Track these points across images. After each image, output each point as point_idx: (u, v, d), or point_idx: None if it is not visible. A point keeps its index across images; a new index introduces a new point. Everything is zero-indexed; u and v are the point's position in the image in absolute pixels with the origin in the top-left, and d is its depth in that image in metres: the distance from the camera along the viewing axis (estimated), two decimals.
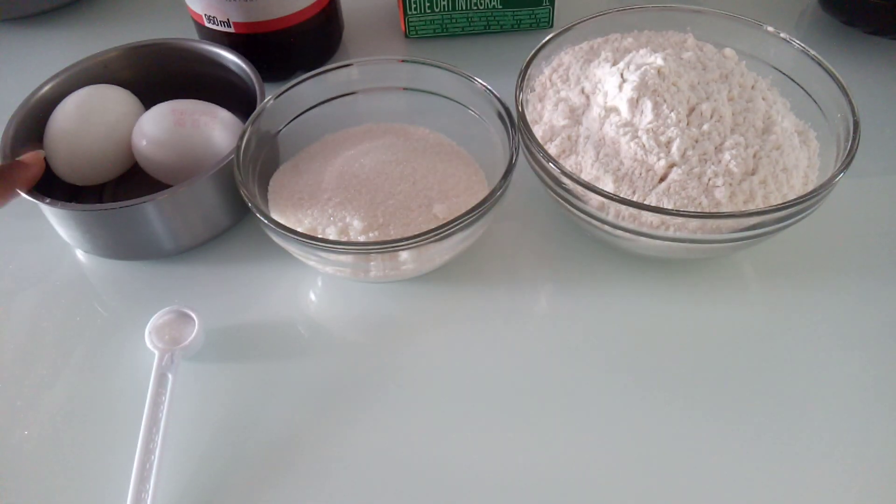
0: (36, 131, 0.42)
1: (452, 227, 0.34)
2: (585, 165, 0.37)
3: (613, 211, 0.35)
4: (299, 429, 0.34)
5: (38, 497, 0.32)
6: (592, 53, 0.42)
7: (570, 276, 0.40)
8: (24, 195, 0.37)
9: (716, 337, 0.37)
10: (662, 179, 0.35)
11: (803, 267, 0.39)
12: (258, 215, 0.35)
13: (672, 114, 0.36)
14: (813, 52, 0.40)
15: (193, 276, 0.40)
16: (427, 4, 0.52)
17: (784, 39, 0.41)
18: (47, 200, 0.37)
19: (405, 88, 0.43)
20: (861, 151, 0.35)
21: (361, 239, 0.36)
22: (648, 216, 0.34)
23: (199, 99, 0.42)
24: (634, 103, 0.37)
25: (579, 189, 0.35)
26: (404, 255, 0.35)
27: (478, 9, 0.53)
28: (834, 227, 0.41)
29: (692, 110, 0.37)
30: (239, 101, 0.44)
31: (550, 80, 0.42)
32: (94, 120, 0.41)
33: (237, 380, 0.36)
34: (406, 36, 0.54)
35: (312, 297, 0.40)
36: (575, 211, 0.37)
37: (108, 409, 0.35)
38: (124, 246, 0.40)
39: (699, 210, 0.34)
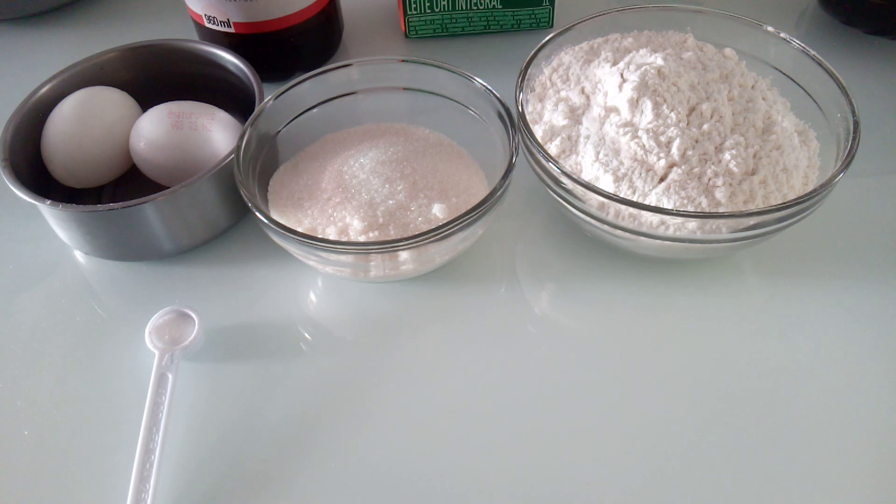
0: (34, 133, 0.42)
1: (452, 227, 0.34)
2: (585, 165, 0.37)
3: (613, 211, 0.35)
4: (299, 428, 0.34)
5: (38, 497, 0.32)
6: (592, 53, 0.42)
7: (570, 275, 0.40)
8: (23, 196, 0.37)
9: (715, 337, 0.37)
10: (662, 179, 0.35)
11: (803, 267, 0.39)
12: (258, 215, 0.35)
13: (672, 114, 0.36)
14: (813, 52, 0.40)
15: (193, 277, 0.40)
16: (427, 4, 0.52)
17: (784, 39, 0.41)
18: (47, 202, 0.37)
19: (405, 88, 0.43)
20: (861, 151, 0.35)
21: (361, 239, 0.36)
22: (648, 216, 0.34)
23: (198, 100, 0.42)
24: (634, 103, 0.37)
25: (579, 189, 0.35)
26: (404, 255, 0.35)
27: (478, 9, 0.53)
28: (834, 227, 0.41)
29: (692, 110, 0.37)
30: (237, 101, 0.44)
31: (550, 80, 0.42)
32: (91, 122, 0.41)
33: (237, 380, 0.36)
34: (406, 36, 0.54)
35: (312, 297, 0.40)
36: (575, 211, 0.37)
37: (108, 409, 0.35)
38: (124, 247, 0.40)
39: (699, 210, 0.34)
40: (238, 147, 0.38)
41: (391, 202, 0.37)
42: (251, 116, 0.39)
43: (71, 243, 0.41)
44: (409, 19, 0.53)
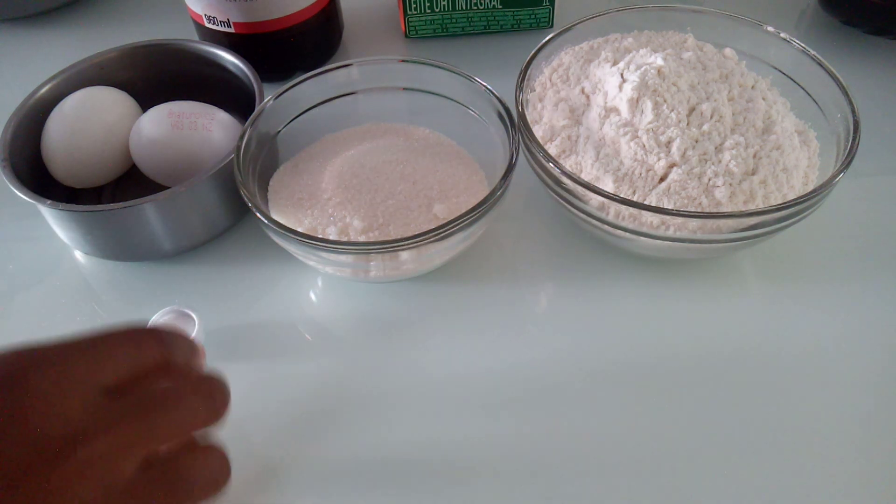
0: (34, 133, 0.42)
1: (452, 227, 0.34)
2: (585, 165, 0.37)
3: (613, 211, 0.35)
4: (299, 428, 0.34)
5: None
6: (592, 53, 0.42)
7: (570, 276, 0.40)
8: (23, 196, 0.37)
9: (716, 337, 0.37)
10: (662, 179, 0.35)
11: (803, 267, 0.39)
12: (258, 215, 0.35)
13: (672, 114, 0.36)
14: (813, 52, 0.40)
15: (193, 277, 0.40)
16: (427, 4, 0.52)
17: (784, 39, 0.41)
18: (47, 202, 0.37)
19: (405, 88, 0.43)
20: (861, 151, 0.35)
21: (361, 239, 0.36)
22: (648, 216, 0.34)
23: (198, 100, 0.42)
24: (634, 103, 0.37)
25: (579, 189, 0.35)
26: (404, 254, 0.35)
27: (478, 9, 0.53)
28: (834, 227, 0.41)
29: (692, 110, 0.37)
30: (238, 101, 0.44)
31: (550, 80, 0.42)
32: (91, 122, 0.41)
33: (237, 380, 0.36)
34: (406, 36, 0.54)
35: (312, 297, 0.40)
36: (575, 211, 0.37)
37: None
38: (124, 247, 0.40)
39: (699, 210, 0.34)
40: (238, 147, 0.38)
41: (391, 202, 0.37)
42: (251, 116, 0.39)
43: (71, 243, 0.41)
44: (409, 19, 0.53)
